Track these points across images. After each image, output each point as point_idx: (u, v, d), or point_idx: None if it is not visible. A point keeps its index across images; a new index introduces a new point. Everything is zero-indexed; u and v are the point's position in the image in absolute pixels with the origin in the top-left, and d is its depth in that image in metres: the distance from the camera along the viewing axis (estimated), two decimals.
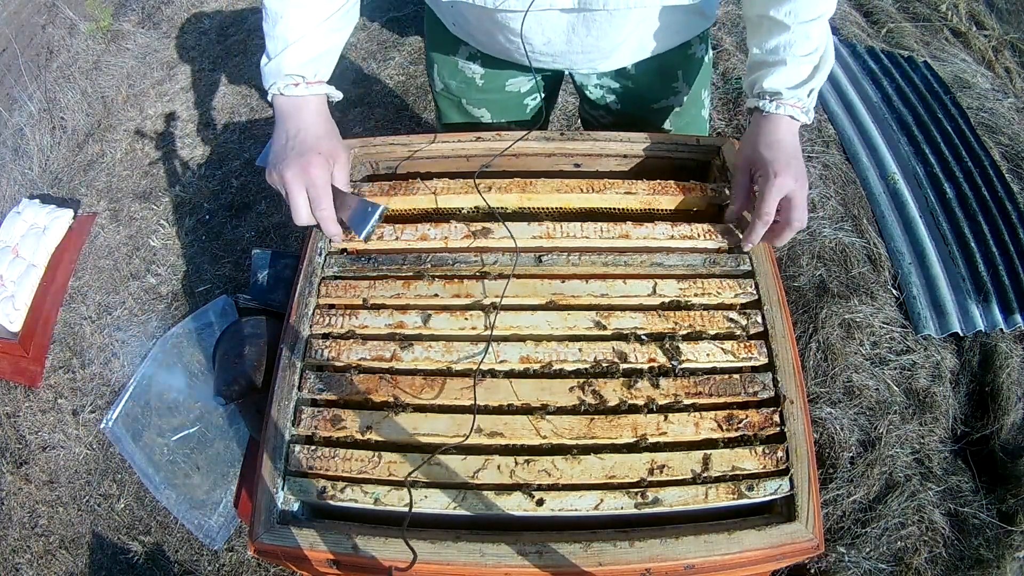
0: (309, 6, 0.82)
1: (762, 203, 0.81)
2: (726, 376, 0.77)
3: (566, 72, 1.11)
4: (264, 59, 0.85)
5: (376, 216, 0.82)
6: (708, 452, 0.71)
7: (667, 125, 1.13)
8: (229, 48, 2.62)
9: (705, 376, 0.77)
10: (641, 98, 1.08)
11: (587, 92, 1.11)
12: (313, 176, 0.80)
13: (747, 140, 0.87)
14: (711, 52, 1.11)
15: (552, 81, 1.15)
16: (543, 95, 1.14)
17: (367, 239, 0.84)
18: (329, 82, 0.88)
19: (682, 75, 1.06)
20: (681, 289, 0.82)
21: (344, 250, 0.92)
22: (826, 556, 1.36)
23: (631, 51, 0.99)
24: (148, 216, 2.10)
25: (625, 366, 0.77)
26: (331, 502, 0.71)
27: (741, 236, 0.87)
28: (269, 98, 0.86)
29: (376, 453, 0.72)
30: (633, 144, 0.97)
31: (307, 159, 0.81)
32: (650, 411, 0.74)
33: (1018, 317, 1.63)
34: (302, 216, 0.83)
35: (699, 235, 0.88)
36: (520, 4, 0.84)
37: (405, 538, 0.63)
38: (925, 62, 2.26)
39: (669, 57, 1.02)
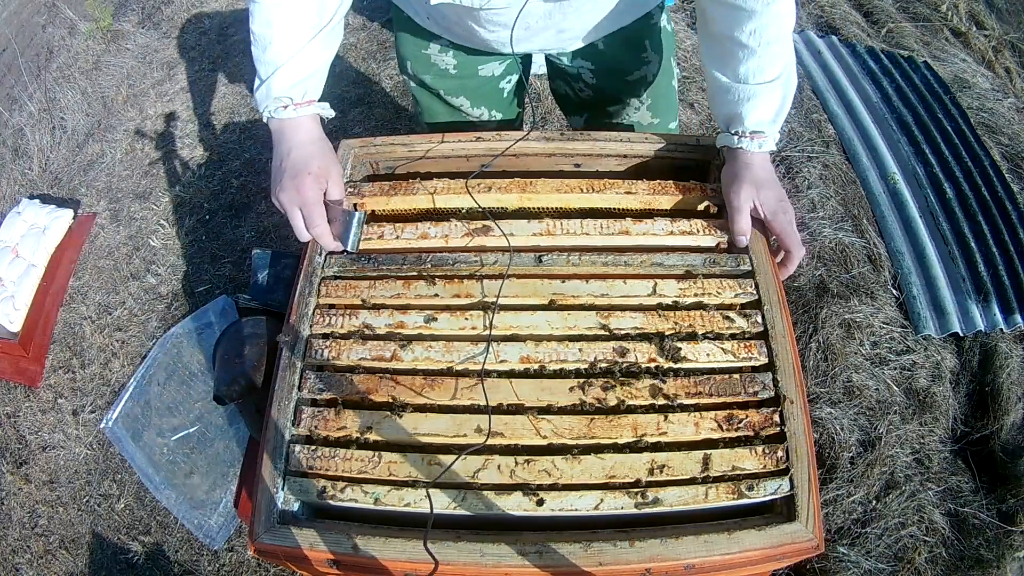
0: (295, 29, 0.84)
1: (737, 212, 0.86)
2: (726, 376, 0.77)
3: (535, 53, 1.13)
4: (256, 83, 0.87)
5: (355, 224, 0.84)
6: (708, 452, 0.71)
7: (644, 96, 1.14)
8: (229, 48, 2.62)
9: (705, 376, 0.77)
10: (615, 72, 1.10)
11: (563, 68, 1.13)
12: (305, 196, 0.83)
13: (732, 177, 0.88)
14: (672, 24, 1.13)
15: (524, 61, 1.17)
16: (518, 75, 1.16)
17: (355, 248, 0.85)
18: (323, 98, 0.90)
19: (649, 45, 1.07)
20: (681, 289, 0.83)
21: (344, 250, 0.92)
22: (826, 556, 1.36)
23: (600, 28, 1.00)
24: (148, 216, 2.10)
25: (625, 366, 0.77)
26: (331, 502, 0.71)
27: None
28: (264, 121, 0.88)
29: (376, 453, 0.72)
30: (633, 144, 0.98)
31: (299, 180, 0.83)
32: (650, 411, 0.74)
33: (1018, 317, 1.63)
34: (302, 234, 0.85)
35: (698, 231, 0.88)
36: (502, 2, 0.85)
37: (427, 545, 0.63)
38: (925, 62, 2.26)
39: (634, 28, 1.03)
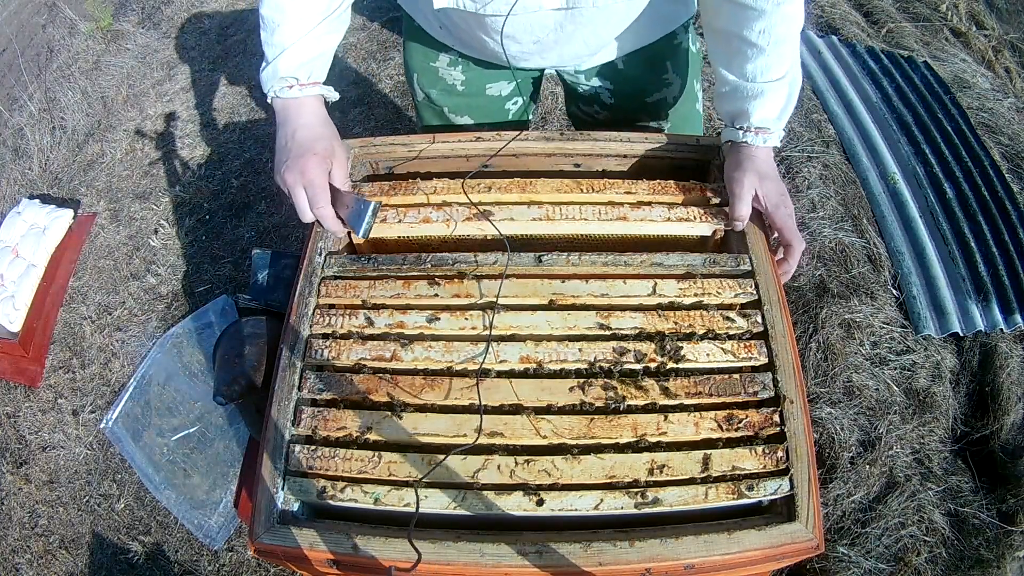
0: (303, 13, 0.85)
1: (738, 199, 0.86)
2: (726, 376, 0.77)
3: (549, 72, 1.11)
4: (263, 65, 0.88)
5: (370, 213, 0.84)
6: (708, 452, 0.71)
7: (663, 120, 1.13)
8: (229, 48, 2.62)
9: (705, 376, 0.77)
10: (634, 93, 1.08)
11: (578, 89, 1.12)
12: (310, 176, 0.83)
13: (736, 166, 0.88)
14: (698, 43, 1.10)
15: (535, 82, 1.15)
16: (526, 97, 1.15)
17: (366, 236, 0.85)
18: (326, 83, 0.91)
19: (671, 66, 1.06)
20: (681, 289, 0.82)
21: (350, 246, 0.92)
22: (826, 556, 1.36)
23: (617, 45, 0.99)
24: (148, 216, 2.10)
25: (625, 366, 0.77)
26: (331, 502, 0.71)
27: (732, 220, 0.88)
28: (269, 101, 0.89)
29: (376, 453, 0.72)
30: (633, 144, 0.97)
31: (304, 160, 0.83)
32: (650, 411, 0.74)
33: (1018, 317, 1.63)
34: (305, 214, 0.86)
35: (695, 217, 0.88)
36: (503, 7, 0.84)
37: (411, 539, 0.63)
38: (925, 62, 2.26)
39: (656, 48, 1.02)
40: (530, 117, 1.22)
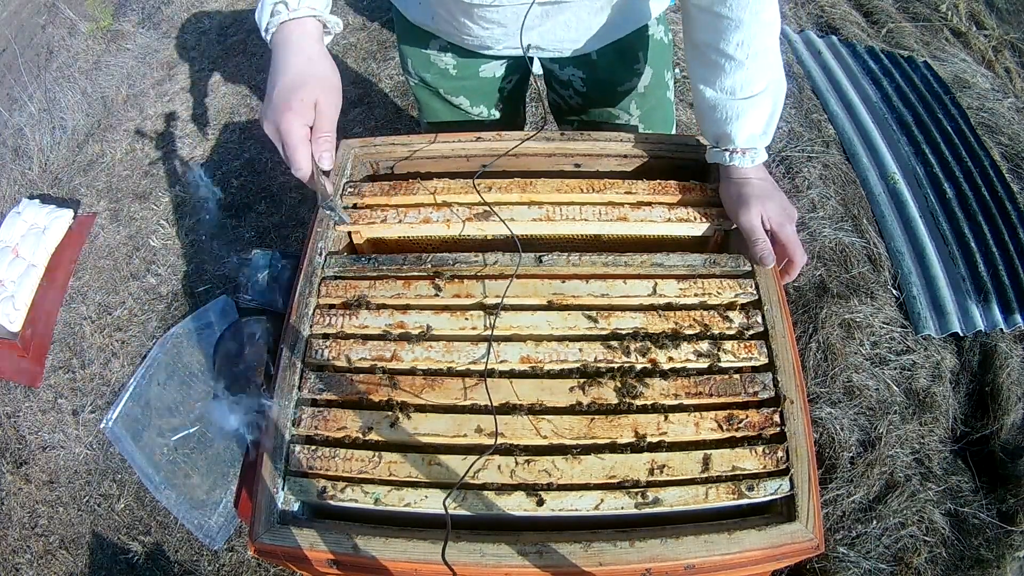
0: None
1: (752, 235, 0.83)
2: (726, 376, 0.77)
3: (529, 52, 1.11)
4: (258, 6, 0.79)
5: (336, 212, 0.81)
6: (708, 452, 0.71)
7: (633, 107, 1.12)
8: (229, 48, 2.62)
9: (705, 376, 0.77)
10: (606, 82, 1.09)
11: (555, 73, 1.12)
12: (284, 130, 0.73)
13: (735, 198, 0.85)
14: (671, 34, 1.11)
15: (523, 63, 1.14)
16: (519, 75, 1.15)
17: (338, 213, 0.82)
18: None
19: (643, 57, 1.06)
20: (681, 289, 0.82)
21: (350, 246, 0.92)
22: (826, 556, 1.36)
23: (595, 39, 0.99)
24: (148, 216, 2.10)
25: (625, 366, 0.77)
26: (331, 502, 0.71)
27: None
28: (270, 47, 0.79)
29: (376, 453, 0.72)
30: (633, 144, 0.98)
31: (279, 113, 0.74)
32: (650, 411, 0.74)
33: (1018, 317, 1.63)
34: (288, 162, 0.76)
35: (696, 218, 0.88)
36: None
37: (444, 558, 0.63)
38: (925, 62, 2.26)
39: (629, 40, 1.02)
40: (525, 96, 1.22)
